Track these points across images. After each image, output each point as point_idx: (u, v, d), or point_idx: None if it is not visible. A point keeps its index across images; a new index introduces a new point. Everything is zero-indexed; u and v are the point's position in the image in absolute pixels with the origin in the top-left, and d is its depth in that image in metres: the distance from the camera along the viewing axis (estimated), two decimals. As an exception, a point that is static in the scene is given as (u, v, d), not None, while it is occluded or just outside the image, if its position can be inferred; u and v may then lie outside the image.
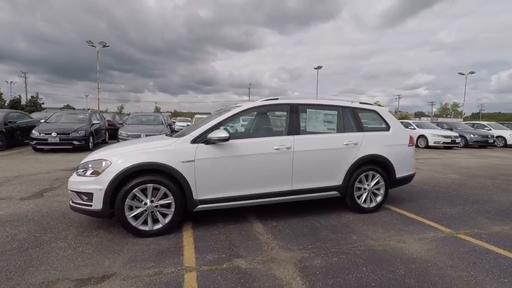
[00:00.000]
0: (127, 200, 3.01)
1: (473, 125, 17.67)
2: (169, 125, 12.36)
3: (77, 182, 3.12)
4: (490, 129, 16.55)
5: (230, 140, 3.29)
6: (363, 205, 3.98)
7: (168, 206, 3.17)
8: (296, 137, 3.64)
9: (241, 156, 3.38)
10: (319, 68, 37.15)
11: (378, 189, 4.07)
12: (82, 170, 3.18)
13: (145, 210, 3.09)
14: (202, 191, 3.25)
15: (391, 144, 4.16)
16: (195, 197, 3.23)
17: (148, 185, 3.06)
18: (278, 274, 2.43)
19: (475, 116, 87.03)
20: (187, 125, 13.75)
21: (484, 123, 17.86)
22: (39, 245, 2.89)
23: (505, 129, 16.77)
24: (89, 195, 3.03)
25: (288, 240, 3.11)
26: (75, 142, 9.67)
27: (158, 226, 3.15)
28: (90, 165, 3.15)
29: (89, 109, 14.00)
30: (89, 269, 2.46)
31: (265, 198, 3.51)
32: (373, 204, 4.04)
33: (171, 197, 3.13)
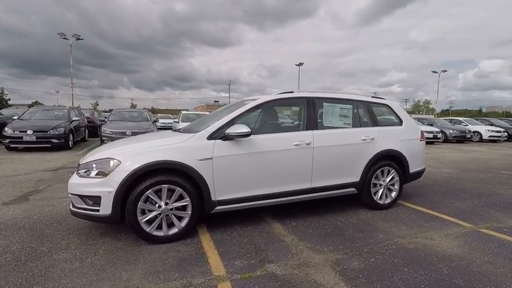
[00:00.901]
0: (139, 203, 2.70)
1: (451, 121, 18.42)
2: (155, 121, 11.81)
3: (80, 185, 2.76)
4: (467, 125, 17.32)
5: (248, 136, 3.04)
6: (379, 201, 3.89)
7: (183, 208, 2.89)
8: (315, 132, 3.46)
9: (260, 153, 3.16)
10: (300, 64, 37.30)
11: (393, 184, 4.00)
12: (84, 170, 2.82)
13: (160, 214, 2.79)
14: (220, 191, 2.99)
15: (404, 139, 4.10)
16: (213, 198, 2.96)
17: (163, 185, 2.76)
18: (319, 279, 2.24)
19: (445, 112, 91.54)
20: (174, 122, 13.24)
21: (461, 119, 18.66)
22: (39, 257, 2.51)
23: (480, 125, 17.63)
24: (96, 199, 2.68)
25: (314, 241, 2.93)
26: (54, 140, 8.96)
27: (174, 231, 2.86)
28: (94, 165, 2.79)
29: (65, 106, 13.11)
30: (105, 284, 2.15)
31: (285, 197, 3.31)
32: (388, 201, 3.96)
33: (188, 198, 2.85)
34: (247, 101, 3.58)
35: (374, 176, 3.82)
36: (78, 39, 26.31)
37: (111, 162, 2.73)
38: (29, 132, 8.72)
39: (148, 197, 2.74)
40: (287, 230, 3.21)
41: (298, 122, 3.70)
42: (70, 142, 9.58)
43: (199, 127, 3.39)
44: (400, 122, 4.21)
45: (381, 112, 4.26)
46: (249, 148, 3.09)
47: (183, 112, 12.73)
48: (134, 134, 9.05)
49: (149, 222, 2.77)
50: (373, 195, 3.84)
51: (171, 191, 2.81)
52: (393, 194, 4.00)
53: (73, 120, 10.22)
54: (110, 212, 2.66)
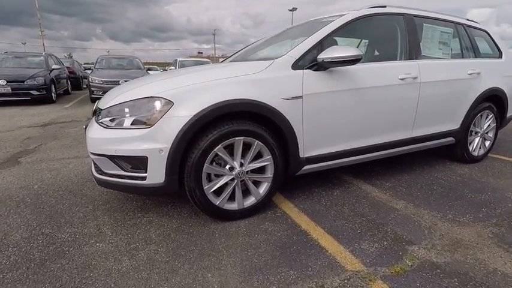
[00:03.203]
0: (205, 164, 1.78)
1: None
2: (149, 69, 10.37)
3: (110, 140, 1.77)
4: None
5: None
6: (473, 153, 3.14)
7: (261, 170, 2.00)
8: (420, 62, 2.53)
9: (360, 90, 2.22)
10: (294, 9, 34.38)
11: (487, 132, 3.23)
12: (110, 118, 1.81)
13: (233, 179, 1.90)
14: (311, 143, 2.10)
15: (506, 75, 3.24)
16: (301, 154, 2.08)
17: (237, 138, 1.83)
18: (504, 270, 1.50)
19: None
20: (171, 69, 11.77)
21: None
22: (62, 253, 1.62)
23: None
24: (139, 161, 1.73)
25: (436, 207, 2.18)
26: (34, 92, 7.56)
27: (250, 202, 2.00)
28: (127, 110, 1.79)
29: (41, 52, 11.29)
30: (189, 297, 1.31)
31: (382, 151, 2.47)
32: (481, 152, 3.22)
33: (269, 156, 1.95)
34: (327, 18, 2.52)
35: (473, 122, 3.02)
36: (41, -24, 22.54)
37: (157, 104, 1.73)
38: (2, 82, 7.25)
39: (217, 155, 1.82)
40: (386, 192, 2.43)
41: (391, 51, 2.71)
42: (53, 94, 8.18)
43: (259, 55, 2.38)
44: (500, 54, 3.31)
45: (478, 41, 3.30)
46: (347, 83, 2.15)
47: (179, 59, 11.22)
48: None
49: (216, 191, 1.90)
50: (468, 145, 3.08)
51: (245, 146, 1.89)
52: (487, 144, 3.26)
53: (53, 69, 8.68)
54: (162, 180, 1.73)
